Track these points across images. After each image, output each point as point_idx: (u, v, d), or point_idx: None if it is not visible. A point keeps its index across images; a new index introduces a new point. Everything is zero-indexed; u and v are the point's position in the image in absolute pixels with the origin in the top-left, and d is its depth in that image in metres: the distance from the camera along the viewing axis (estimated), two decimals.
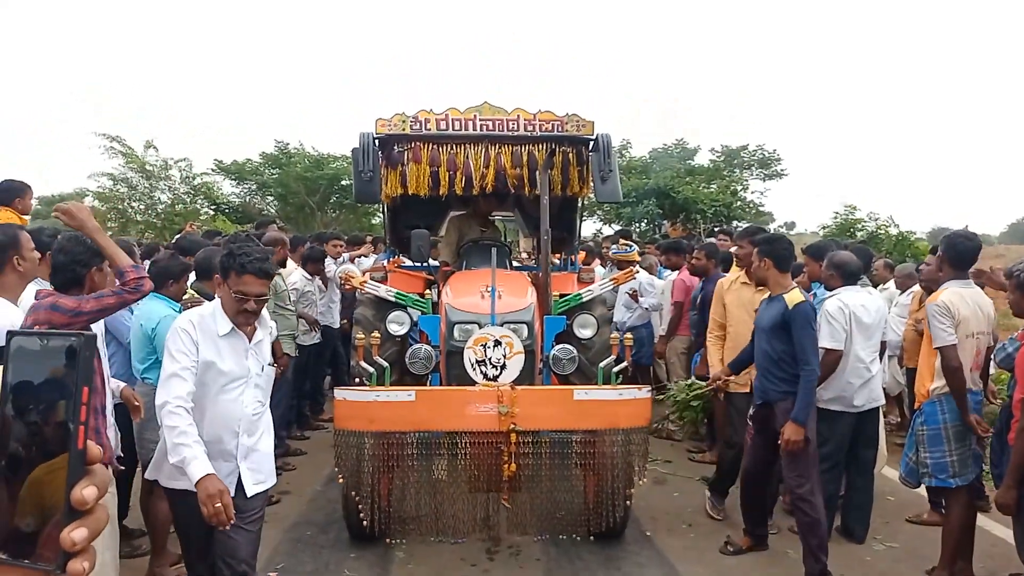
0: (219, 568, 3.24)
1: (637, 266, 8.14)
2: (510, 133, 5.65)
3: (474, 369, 4.52)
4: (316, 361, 7.79)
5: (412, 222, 6.51)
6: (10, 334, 0.76)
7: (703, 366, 6.43)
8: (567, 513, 4.58)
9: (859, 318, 4.82)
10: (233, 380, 3.19)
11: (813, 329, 4.34)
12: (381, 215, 8.01)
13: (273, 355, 3.59)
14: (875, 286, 6.79)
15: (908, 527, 5.34)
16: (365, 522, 4.39)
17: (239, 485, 3.23)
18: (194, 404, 3.08)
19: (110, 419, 3.67)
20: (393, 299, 5.57)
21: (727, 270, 7.09)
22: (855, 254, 5.48)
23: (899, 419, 7.69)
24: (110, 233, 13.41)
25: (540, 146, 5.71)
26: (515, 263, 7.33)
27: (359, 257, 9.65)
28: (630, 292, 8.12)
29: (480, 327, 4.63)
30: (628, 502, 4.61)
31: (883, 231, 15.41)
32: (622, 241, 9.45)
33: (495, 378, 4.50)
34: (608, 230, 22.76)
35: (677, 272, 7.78)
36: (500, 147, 5.70)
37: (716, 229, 17.88)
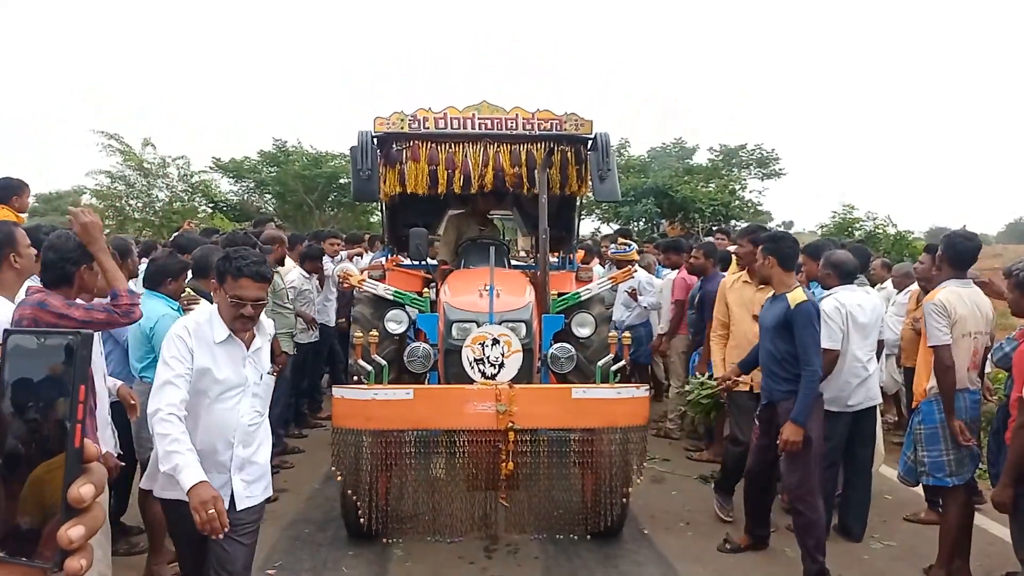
0: None
1: (636, 265, 8.14)
2: (509, 132, 5.65)
3: (472, 368, 4.52)
4: (314, 359, 7.79)
5: (410, 220, 6.51)
6: (7, 332, 0.76)
7: (702, 365, 6.44)
8: (565, 512, 4.58)
9: (855, 318, 4.83)
10: (229, 389, 3.08)
11: (815, 329, 4.30)
12: (379, 213, 8.01)
13: (272, 353, 3.55)
14: (872, 285, 6.79)
15: (906, 526, 5.35)
16: (363, 520, 4.39)
17: (232, 499, 3.11)
18: (188, 412, 2.98)
19: (107, 418, 3.67)
20: (391, 297, 5.57)
21: (725, 269, 7.10)
22: (853, 253, 5.48)
23: (896, 418, 7.71)
24: (107, 231, 13.41)
25: (538, 145, 5.71)
26: (513, 262, 7.33)
27: (356, 256, 9.66)
28: (629, 291, 8.13)
29: (478, 326, 4.63)
30: (626, 500, 4.61)
31: (881, 230, 15.43)
32: (621, 240, 9.46)
33: (493, 377, 4.50)
34: (606, 229, 22.78)
35: (676, 271, 7.78)
36: (499, 146, 5.70)
37: (714, 228, 17.89)
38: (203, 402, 3.04)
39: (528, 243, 9.32)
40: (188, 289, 4.71)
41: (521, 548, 4.82)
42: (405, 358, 4.89)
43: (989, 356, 4.54)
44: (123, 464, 3.87)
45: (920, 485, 4.67)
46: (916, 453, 4.46)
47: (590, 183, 5.89)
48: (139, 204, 21.77)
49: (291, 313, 6.63)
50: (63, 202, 31.47)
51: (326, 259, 7.98)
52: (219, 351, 3.06)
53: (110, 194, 21.44)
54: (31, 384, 0.74)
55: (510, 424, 4.21)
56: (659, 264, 9.00)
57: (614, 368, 4.71)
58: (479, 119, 5.64)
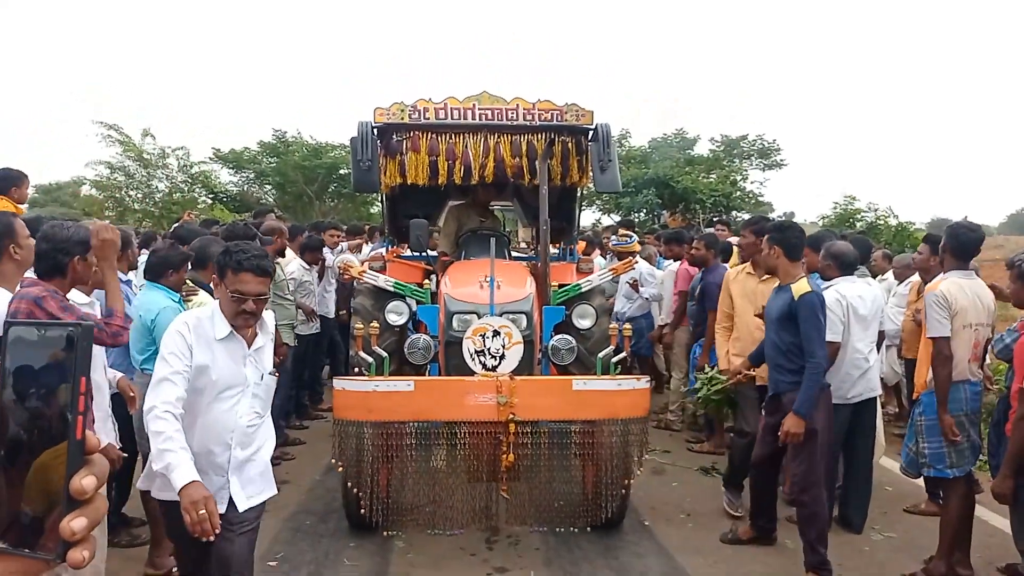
0: None
1: (637, 256, 8.13)
2: (509, 123, 5.63)
3: (473, 359, 4.52)
4: (314, 351, 7.79)
5: (411, 211, 6.50)
6: (8, 323, 0.76)
7: (704, 356, 6.44)
8: (566, 503, 4.58)
9: (856, 309, 4.82)
10: (228, 388, 2.99)
11: (819, 320, 4.25)
12: (380, 204, 8.00)
13: (274, 345, 3.53)
14: (874, 276, 6.79)
15: (906, 517, 5.35)
16: (364, 511, 4.40)
17: (231, 500, 3.05)
18: (185, 411, 2.92)
19: (108, 410, 3.67)
20: (392, 289, 5.56)
21: (726, 260, 7.10)
22: (854, 244, 5.47)
23: (897, 409, 7.71)
24: (107, 222, 13.40)
25: (539, 135, 5.69)
26: (514, 253, 7.32)
27: (355, 248, 9.64)
28: (631, 282, 8.12)
29: (479, 317, 4.63)
30: (626, 492, 4.62)
31: (882, 221, 15.41)
32: (622, 232, 9.44)
33: (494, 368, 4.50)
34: (607, 220, 22.76)
35: (678, 262, 7.78)
36: (499, 136, 5.69)
37: (715, 219, 17.87)
38: (201, 401, 2.96)
39: (529, 234, 9.30)
40: (187, 280, 4.71)
41: (522, 539, 4.82)
42: (406, 349, 4.89)
43: (990, 347, 4.54)
44: (125, 456, 3.87)
45: (922, 477, 4.66)
46: (917, 444, 4.45)
47: (591, 174, 5.88)
48: (139, 195, 21.73)
49: (292, 304, 6.62)
50: (63, 193, 31.49)
51: (325, 251, 7.97)
52: (219, 348, 2.97)
53: (110, 185, 21.41)
54: (33, 373, 0.74)
55: (511, 416, 4.21)
56: (660, 255, 8.99)
57: (615, 360, 4.71)
58: (479, 110, 5.62)
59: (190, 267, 4.81)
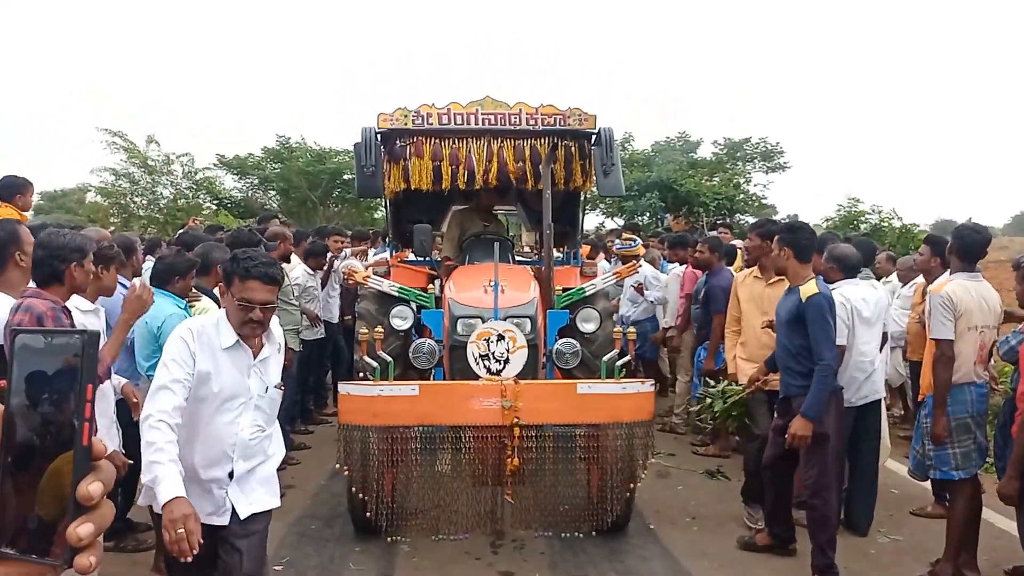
0: None
1: (641, 260, 8.14)
2: (512, 127, 5.64)
3: (477, 363, 4.53)
4: (319, 356, 7.80)
5: (415, 216, 6.51)
6: (14, 332, 0.76)
7: (710, 360, 6.44)
8: (571, 507, 4.58)
9: (860, 312, 4.80)
10: (230, 399, 2.90)
11: (828, 322, 4.21)
12: (383, 209, 8.01)
13: None
14: (878, 279, 6.78)
15: (912, 520, 5.34)
16: (370, 515, 4.40)
17: (234, 512, 2.95)
18: (187, 421, 2.83)
19: (113, 416, 3.68)
20: (396, 294, 5.57)
21: (730, 264, 7.10)
22: (858, 246, 5.47)
23: (903, 412, 7.70)
24: (111, 228, 13.44)
25: (542, 140, 5.71)
26: (518, 257, 7.33)
27: (360, 254, 9.62)
28: (635, 286, 8.12)
29: (483, 321, 4.63)
30: (631, 496, 4.62)
31: (886, 223, 15.38)
32: (625, 235, 9.45)
33: (498, 372, 4.50)
34: (611, 223, 22.75)
35: (683, 265, 7.79)
36: (502, 141, 5.70)
37: (718, 222, 17.87)
38: (203, 411, 2.88)
39: (532, 238, 9.31)
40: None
41: (527, 543, 4.82)
42: (410, 354, 4.90)
43: (995, 349, 4.53)
44: (131, 462, 3.88)
45: (929, 479, 4.65)
46: (923, 447, 4.45)
47: (594, 178, 5.88)
48: (143, 201, 21.80)
49: (296, 310, 6.63)
50: (68, 200, 31.58)
51: (330, 256, 7.98)
52: (223, 358, 2.89)
53: (115, 191, 21.49)
54: (46, 379, 0.75)
55: (515, 420, 4.21)
56: (664, 259, 8.99)
57: (619, 363, 4.71)
58: (483, 114, 5.63)
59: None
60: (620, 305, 8.38)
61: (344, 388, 4.39)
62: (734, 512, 5.42)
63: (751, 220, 21.93)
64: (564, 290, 5.61)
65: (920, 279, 6.39)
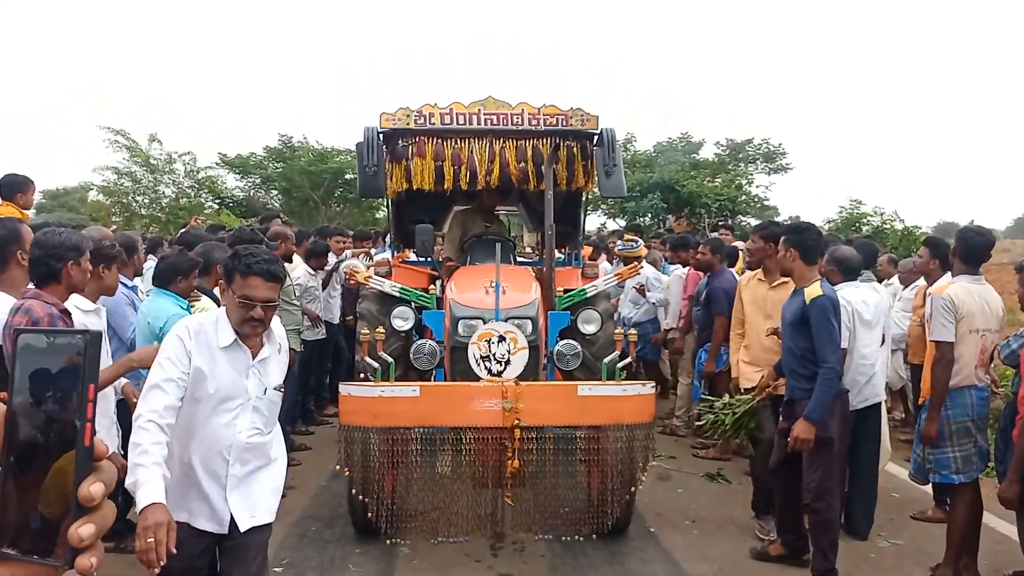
0: None
1: (643, 261, 8.13)
2: (514, 127, 5.64)
3: (478, 364, 4.52)
4: (320, 356, 7.80)
5: (417, 216, 6.51)
6: (17, 331, 0.77)
7: (711, 363, 6.44)
8: (571, 510, 4.57)
9: (861, 314, 4.79)
10: (227, 400, 2.81)
11: (832, 324, 4.16)
12: (385, 209, 8.01)
13: None
14: (879, 281, 6.77)
15: (913, 524, 5.33)
16: (371, 516, 4.40)
17: (233, 522, 2.86)
18: (184, 422, 2.77)
19: (113, 417, 3.67)
20: (397, 294, 5.57)
21: (732, 265, 7.09)
22: (860, 249, 5.46)
23: (903, 415, 7.69)
24: (113, 227, 13.43)
25: (544, 140, 5.70)
26: (519, 258, 7.33)
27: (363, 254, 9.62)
28: (637, 287, 8.12)
29: (484, 322, 4.63)
30: (631, 498, 4.61)
31: (888, 226, 15.35)
32: (627, 236, 9.44)
33: (499, 373, 4.49)
34: (612, 224, 22.75)
35: (686, 267, 7.79)
36: (504, 141, 5.70)
37: (719, 223, 17.84)
38: (199, 412, 2.79)
39: (534, 239, 9.31)
40: None
41: (527, 546, 4.82)
42: (411, 355, 4.90)
43: (996, 353, 4.52)
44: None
45: (930, 483, 4.64)
46: (924, 450, 4.44)
47: (596, 179, 5.88)
48: (145, 200, 21.79)
49: (298, 310, 6.63)
50: (70, 198, 31.60)
51: (331, 256, 7.98)
52: (221, 357, 2.81)
53: (117, 190, 21.49)
54: (49, 377, 0.75)
55: (516, 421, 4.20)
56: (665, 260, 8.99)
57: (620, 365, 4.70)
58: (485, 115, 5.63)
59: None
60: (622, 306, 8.38)
61: (345, 389, 4.38)
62: (735, 515, 5.42)
63: (753, 221, 21.93)
64: (565, 291, 5.61)
65: (921, 281, 6.39)
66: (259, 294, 2.78)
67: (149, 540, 2.37)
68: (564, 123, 5.64)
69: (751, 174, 24.69)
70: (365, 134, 5.69)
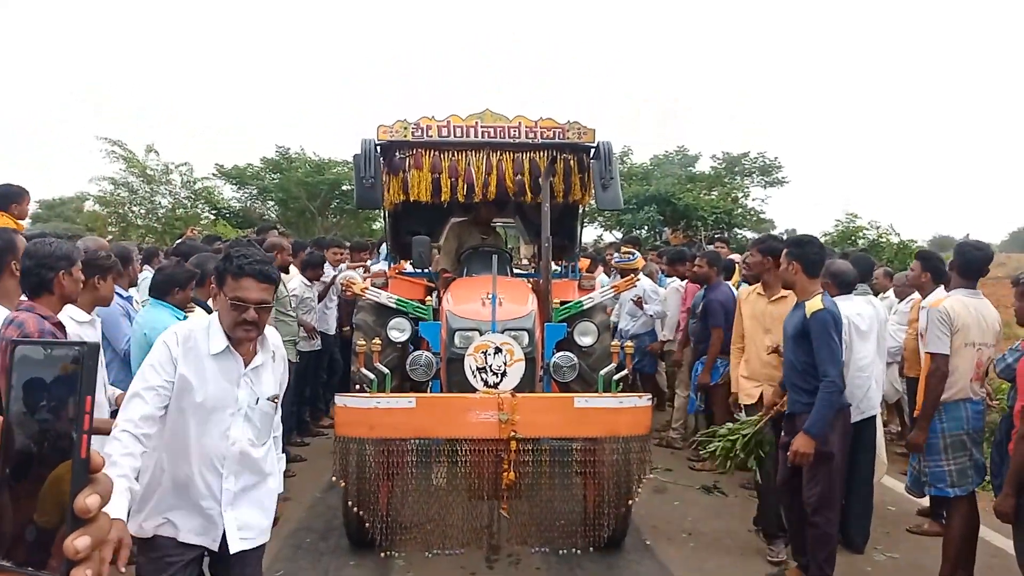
0: None
1: (639, 273, 8.15)
2: (511, 140, 5.66)
3: (475, 376, 4.52)
4: (315, 367, 7.79)
5: (413, 228, 6.52)
6: (14, 343, 0.77)
7: (706, 375, 6.45)
8: (567, 522, 4.56)
9: (857, 326, 4.80)
10: (216, 410, 2.70)
11: (832, 338, 4.14)
12: (382, 221, 8.03)
13: None
14: (875, 294, 6.79)
15: (909, 537, 5.32)
16: (368, 525, 4.39)
17: (223, 540, 2.76)
18: (174, 433, 2.67)
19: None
20: (394, 305, 5.57)
21: (728, 278, 7.11)
22: (856, 262, 5.47)
23: (899, 428, 7.68)
24: (109, 238, 13.41)
25: (541, 153, 5.72)
26: (516, 270, 7.34)
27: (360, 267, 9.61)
28: (634, 299, 8.13)
29: (481, 334, 4.63)
30: (627, 511, 4.60)
31: (884, 239, 15.40)
32: (624, 249, 9.46)
33: (495, 385, 4.49)
34: (609, 236, 22.79)
35: (683, 280, 7.82)
36: (501, 154, 5.72)
37: (716, 236, 17.90)
38: (189, 423, 2.68)
39: (530, 251, 9.33)
40: None
41: (523, 559, 4.80)
42: (407, 366, 4.89)
43: (991, 366, 4.53)
44: None
45: (926, 496, 4.64)
46: (920, 463, 4.44)
47: (593, 191, 5.90)
48: (142, 211, 21.81)
49: (294, 321, 6.63)
50: (66, 208, 31.56)
51: (328, 268, 7.98)
52: (211, 365, 2.70)
53: (113, 200, 21.50)
54: (44, 386, 0.75)
55: (512, 433, 4.20)
56: (662, 272, 9.01)
57: (616, 377, 4.70)
58: (482, 127, 5.65)
59: None
60: (620, 319, 8.40)
61: (341, 400, 4.38)
62: (731, 528, 5.41)
63: (749, 234, 22.01)
64: (562, 303, 5.61)
65: (917, 295, 6.41)
66: (252, 296, 2.67)
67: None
68: (561, 136, 5.66)
69: (747, 187, 24.79)
70: (362, 146, 5.70)
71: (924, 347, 4.40)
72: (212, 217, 23.39)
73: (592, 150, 5.80)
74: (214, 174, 24.60)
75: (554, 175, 5.74)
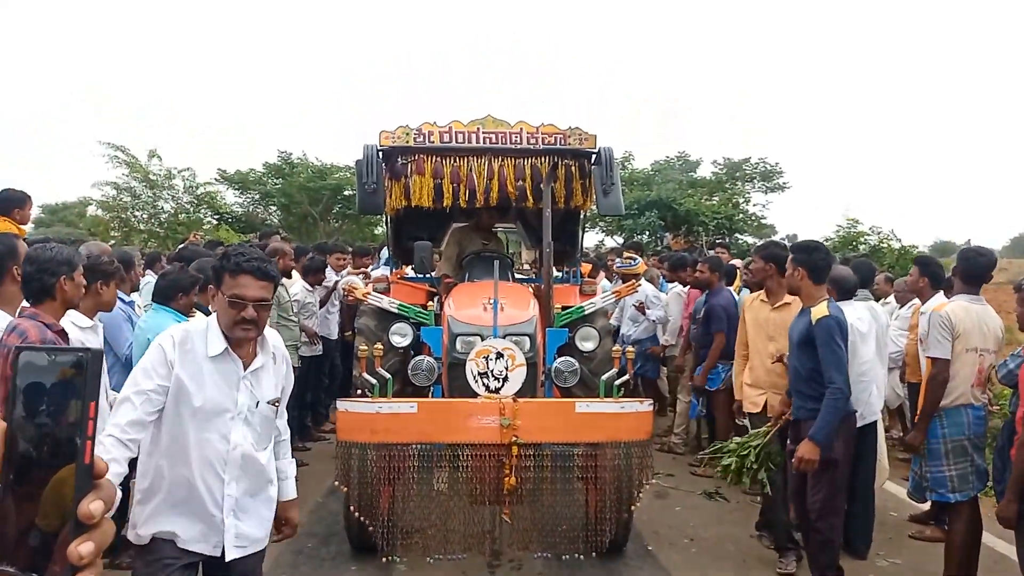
0: None
1: (641, 278, 8.15)
2: (513, 146, 5.67)
3: (476, 381, 4.52)
4: (317, 372, 7.79)
5: (415, 233, 6.53)
6: (18, 349, 0.77)
7: (702, 378, 6.47)
8: (568, 528, 4.55)
9: (859, 331, 4.79)
10: (216, 414, 2.64)
11: (838, 344, 4.13)
12: (384, 226, 8.04)
13: None
14: (876, 300, 6.79)
15: (912, 543, 5.31)
16: (371, 529, 4.38)
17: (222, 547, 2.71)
18: (175, 438, 2.62)
19: None
20: (396, 310, 5.57)
21: (730, 283, 7.11)
22: (858, 267, 5.46)
23: (901, 434, 7.67)
24: (112, 242, 13.42)
25: (543, 159, 5.73)
26: (517, 275, 7.34)
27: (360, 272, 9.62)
28: (637, 305, 8.14)
29: (482, 339, 4.63)
30: (629, 516, 4.59)
31: (885, 245, 15.40)
32: (626, 254, 9.47)
33: (497, 390, 4.49)
34: (610, 242, 22.82)
35: (685, 286, 7.84)
36: (503, 160, 5.73)
37: (717, 241, 17.91)
38: (187, 427, 2.62)
39: (532, 256, 9.33)
40: None
41: (524, 564, 4.79)
42: (409, 371, 4.89)
43: (993, 372, 4.53)
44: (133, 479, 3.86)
45: (927, 502, 4.63)
46: (921, 468, 4.44)
47: (594, 197, 5.91)
48: (145, 215, 21.87)
49: (296, 326, 6.64)
50: (69, 213, 31.63)
51: (330, 272, 7.99)
52: (208, 368, 2.64)
53: (116, 205, 21.55)
54: (46, 391, 0.75)
55: (514, 438, 4.20)
56: (663, 278, 9.01)
57: (618, 382, 4.70)
58: (484, 133, 5.66)
59: None
60: (622, 324, 8.40)
61: (342, 405, 4.38)
62: (733, 534, 5.40)
63: (750, 240, 22.03)
64: (563, 308, 5.61)
65: (917, 300, 6.41)
66: (250, 293, 2.60)
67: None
68: (562, 142, 5.67)
69: (748, 193, 24.83)
70: (364, 152, 5.72)
71: (924, 351, 4.40)
72: (215, 222, 23.44)
73: (593, 156, 5.81)
74: (216, 179, 24.70)
75: (555, 181, 5.75)
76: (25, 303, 3.29)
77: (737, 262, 8.62)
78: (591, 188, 5.91)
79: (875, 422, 5.05)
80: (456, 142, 5.66)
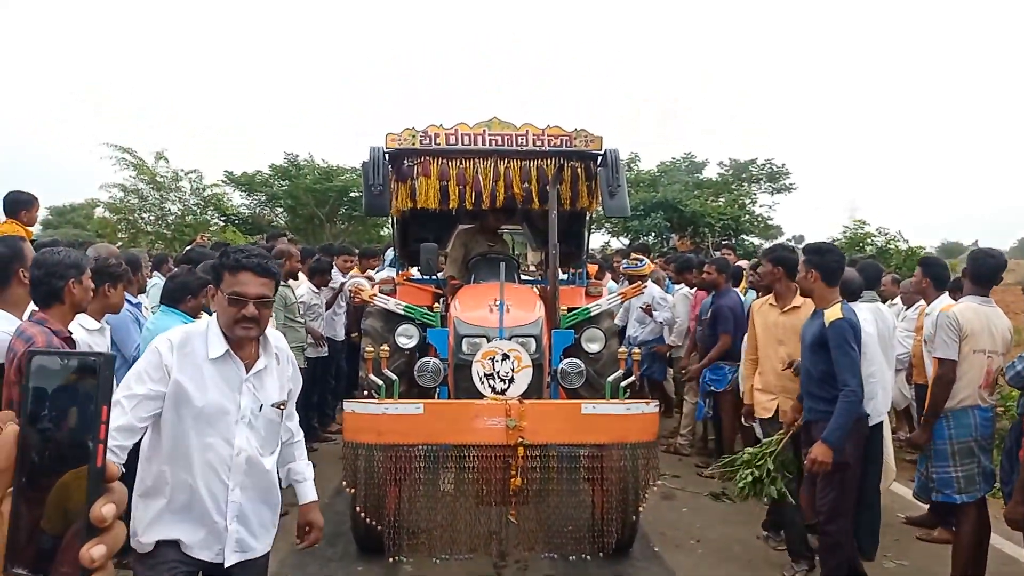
0: None
1: (647, 280, 8.15)
2: (519, 148, 5.68)
3: (482, 383, 4.53)
4: (323, 373, 7.81)
5: (421, 235, 6.54)
6: (31, 353, 0.78)
7: (697, 371, 6.50)
8: (574, 529, 4.55)
9: (867, 332, 4.78)
10: (217, 418, 2.57)
11: (851, 347, 4.12)
12: (390, 227, 8.05)
13: None
14: (883, 301, 6.78)
15: (919, 545, 5.30)
16: (381, 528, 4.39)
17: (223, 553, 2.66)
18: (176, 442, 2.56)
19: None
20: (402, 312, 5.59)
21: (736, 285, 7.11)
22: (865, 269, 5.46)
23: (908, 436, 7.65)
24: (119, 244, 13.45)
25: (549, 161, 5.74)
26: (523, 277, 7.35)
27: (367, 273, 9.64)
28: (643, 306, 8.13)
29: (488, 341, 4.64)
30: (636, 517, 4.59)
31: (892, 246, 15.36)
32: (633, 256, 9.47)
33: (503, 392, 4.50)
34: (616, 243, 22.81)
35: (692, 288, 7.85)
36: (509, 162, 5.73)
37: (723, 242, 17.88)
38: (188, 431, 2.55)
39: (538, 258, 9.34)
40: None
41: (531, 565, 4.80)
42: (415, 372, 4.90)
43: (1001, 374, 4.52)
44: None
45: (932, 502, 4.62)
46: (927, 469, 4.43)
47: (600, 198, 5.91)
48: (152, 217, 21.93)
49: (302, 327, 6.66)
50: (76, 215, 31.77)
51: (337, 275, 8.01)
52: (209, 370, 2.57)
53: (123, 207, 21.62)
54: (55, 395, 0.76)
55: (520, 439, 4.20)
56: (668, 280, 9.01)
57: (624, 383, 4.70)
58: (490, 135, 5.67)
59: None
60: (628, 326, 8.41)
61: (349, 406, 4.38)
62: (740, 535, 5.39)
63: (756, 241, 22.00)
64: (569, 310, 5.62)
65: (923, 301, 6.39)
66: (250, 290, 2.53)
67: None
68: (568, 144, 5.68)
69: (754, 194, 24.80)
70: (371, 154, 5.74)
71: (930, 352, 4.39)
72: (221, 224, 23.49)
73: (599, 157, 5.81)
74: (223, 181, 24.74)
75: (561, 182, 5.75)
76: (33, 307, 3.30)
77: (743, 263, 8.61)
78: (597, 190, 5.91)
79: (881, 423, 5.04)
80: (462, 144, 5.67)
